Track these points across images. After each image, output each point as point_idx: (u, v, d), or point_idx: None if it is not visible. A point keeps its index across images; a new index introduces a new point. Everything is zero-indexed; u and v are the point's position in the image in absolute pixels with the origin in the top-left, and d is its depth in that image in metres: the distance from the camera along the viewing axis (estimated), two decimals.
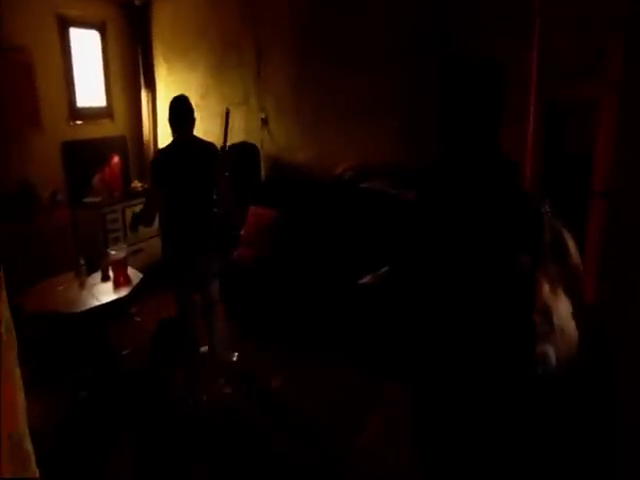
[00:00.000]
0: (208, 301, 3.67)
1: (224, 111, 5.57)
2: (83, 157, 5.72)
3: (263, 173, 5.29)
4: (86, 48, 5.81)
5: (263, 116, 5.29)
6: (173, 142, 3.45)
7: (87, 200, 5.57)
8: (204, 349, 4.11)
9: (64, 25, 5.48)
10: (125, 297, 3.93)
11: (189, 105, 3.42)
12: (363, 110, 4.54)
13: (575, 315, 2.19)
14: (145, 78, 6.14)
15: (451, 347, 2.00)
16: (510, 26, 3.51)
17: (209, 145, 3.54)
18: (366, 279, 3.69)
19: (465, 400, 1.98)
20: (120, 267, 4.15)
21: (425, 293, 2.09)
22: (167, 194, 3.40)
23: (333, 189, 4.28)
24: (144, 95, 6.17)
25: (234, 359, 3.98)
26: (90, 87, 5.90)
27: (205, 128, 5.75)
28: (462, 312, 1.95)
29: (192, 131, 3.48)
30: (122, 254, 4.16)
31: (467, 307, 1.94)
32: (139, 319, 4.92)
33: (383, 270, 3.69)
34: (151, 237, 5.92)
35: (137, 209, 5.72)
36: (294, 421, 3.32)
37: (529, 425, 1.99)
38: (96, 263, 4.26)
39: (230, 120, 3.51)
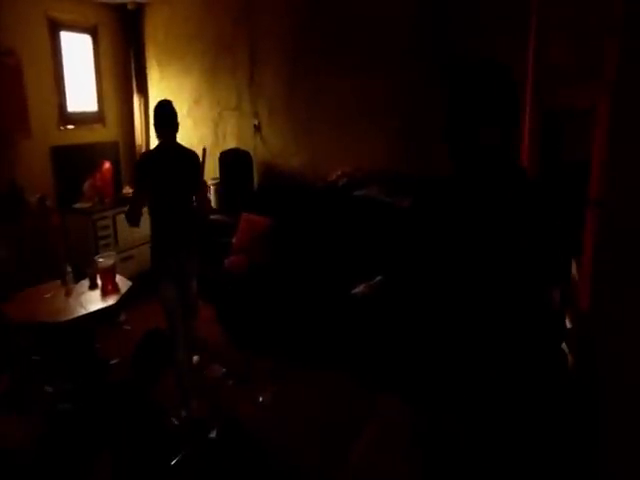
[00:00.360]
0: (188, 301, 3.57)
1: (217, 116, 5.54)
2: (73, 162, 5.62)
3: (256, 180, 5.19)
4: (77, 52, 5.71)
5: (256, 122, 5.19)
6: (157, 146, 3.44)
7: (77, 206, 5.46)
8: (196, 359, 4.01)
9: (55, 28, 5.39)
10: (113, 306, 3.81)
11: (173, 109, 3.39)
12: (359, 114, 4.45)
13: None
14: (137, 83, 6.04)
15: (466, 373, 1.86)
16: (510, 26, 3.43)
17: (191, 152, 3.56)
18: (360, 289, 3.59)
19: (475, 412, 1.86)
20: (108, 275, 4.04)
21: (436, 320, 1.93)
22: (151, 197, 3.41)
23: (327, 196, 4.18)
24: (136, 100, 6.06)
25: (223, 370, 3.86)
26: (81, 91, 5.80)
27: (199, 133, 5.68)
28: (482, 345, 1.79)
29: (175, 136, 3.45)
30: (110, 261, 4.05)
31: (486, 339, 1.78)
32: (128, 327, 4.80)
33: (377, 279, 3.60)
34: (141, 244, 5.82)
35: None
36: (288, 432, 3.21)
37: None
38: (84, 270, 4.15)
39: (207, 156, 3.58)
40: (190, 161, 3.52)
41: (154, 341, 3.40)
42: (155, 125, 3.38)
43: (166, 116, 3.38)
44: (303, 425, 3.27)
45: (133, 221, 3.48)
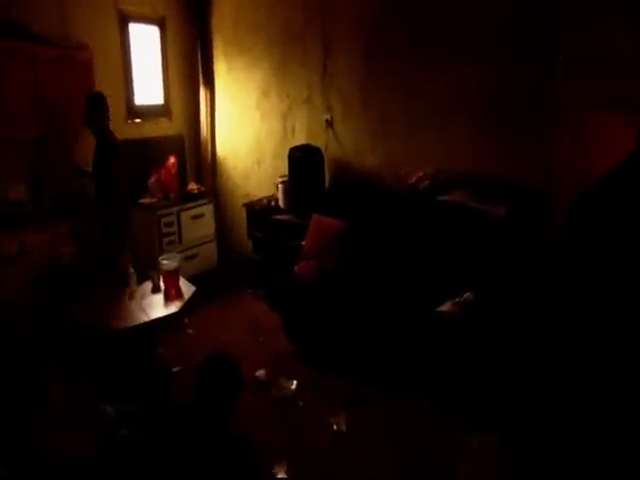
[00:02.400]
0: None
1: (287, 109, 5.12)
2: (140, 156, 5.36)
3: (327, 179, 4.71)
4: (145, 44, 5.48)
5: (328, 117, 4.73)
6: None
7: (142, 201, 5.21)
8: (262, 373, 3.63)
9: (124, 20, 5.19)
10: (176, 314, 3.50)
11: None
12: (442, 110, 3.92)
13: None
14: (204, 75, 5.69)
15: None
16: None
17: (113, 142, 3.64)
18: (445, 307, 3.09)
19: None
20: (172, 279, 3.73)
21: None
22: None
23: (406, 200, 3.67)
24: (203, 93, 5.72)
25: (292, 387, 3.46)
26: (148, 85, 5.55)
27: (267, 127, 5.29)
28: None
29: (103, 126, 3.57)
30: (174, 264, 3.74)
31: None
32: (191, 331, 4.49)
33: (465, 296, 3.09)
34: (206, 242, 5.53)
35: (192, 213, 5.42)
36: (369, 469, 2.76)
37: None
38: (146, 270, 3.87)
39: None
40: (109, 150, 3.69)
41: (219, 367, 3.05)
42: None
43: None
44: (386, 460, 2.82)
45: None
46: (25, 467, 1.94)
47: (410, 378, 3.27)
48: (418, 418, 3.09)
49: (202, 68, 5.67)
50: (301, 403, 3.32)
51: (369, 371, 3.50)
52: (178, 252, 5.05)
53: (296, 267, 3.94)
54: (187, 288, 3.80)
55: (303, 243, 4.13)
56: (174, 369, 3.85)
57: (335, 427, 3.01)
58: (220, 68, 5.64)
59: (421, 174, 3.74)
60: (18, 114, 4.17)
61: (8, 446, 1.98)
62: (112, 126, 5.06)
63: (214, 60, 5.67)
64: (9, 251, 4.00)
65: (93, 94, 4.26)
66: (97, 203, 4.37)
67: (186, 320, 4.54)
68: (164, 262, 3.72)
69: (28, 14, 4.36)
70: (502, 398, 2.83)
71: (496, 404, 2.87)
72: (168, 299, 3.64)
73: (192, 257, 5.37)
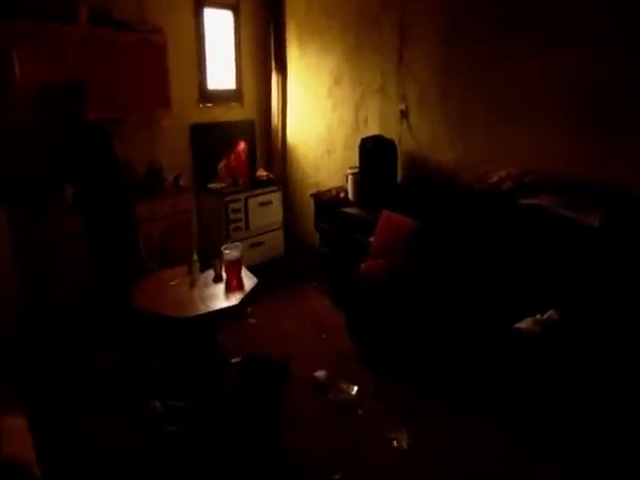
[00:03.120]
0: None
1: (359, 98, 4.85)
2: (210, 141, 5.35)
3: (400, 173, 4.40)
4: (219, 29, 5.39)
5: (403, 107, 4.41)
6: None
7: (211, 186, 5.15)
8: (322, 374, 3.45)
9: (199, 5, 5.13)
10: (236, 306, 3.37)
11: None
12: (531, 103, 3.51)
13: None
14: (276, 61, 5.50)
15: None
16: None
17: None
18: (524, 323, 2.77)
19: None
20: (234, 269, 3.60)
21: None
22: None
23: (485, 201, 3.33)
24: (275, 79, 5.54)
25: (353, 393, 3.25)
26: (221, 69, 5.46)
27: (339, 116, 5.05)
28: None
29: None
30: (236, 254, 3.60)
31: None
32: (254, 321, 4.38)
33: (548, 314, 2.76)
34: (273, 230, 5.42)
35: (260, 200, 5.29)
36: None
37: None
38: (210, 258, 3.77)
39: None
40: None
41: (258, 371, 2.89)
42: None
43: None
44: None
45: None
46: (65, 462, 1.86)
47: (478, 395, 2.98)
48: (485, 440, 2.80)
49: (274, 53, 5.49)
50: (360, 411, 3.10)
51: (435, 382, 3.23)
52: (244, 239, 5.00)
53: (363, 264, 3.71)
54: (249, 280, 3.66)
55: (371, 239, 3.89)
56: (233, 360, 3.75)
57: (395, 443, 2.78)
58: (292, 53, 5.44)
59: (503, 174, 3.37)
60: (97, 97, 4.15)
61: (50, 438, 1.91)
62: (185, 109, 5.05)
63: (287, 45, 5.48)
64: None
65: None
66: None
67: (249, 309, 4.43)
68: (226, 252, 3.61)
69: (110, 1, 4.38)
70: (577, 429, 2.51)
71: (569, 434, 2.54)
72: (229, 290, 3.52)
73: (258, 244, 5.29)
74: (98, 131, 3.84)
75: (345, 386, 3.29)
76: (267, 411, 2.71)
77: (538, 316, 2.77)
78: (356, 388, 3.28)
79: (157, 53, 4.60)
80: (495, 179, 3.36)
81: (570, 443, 2.55)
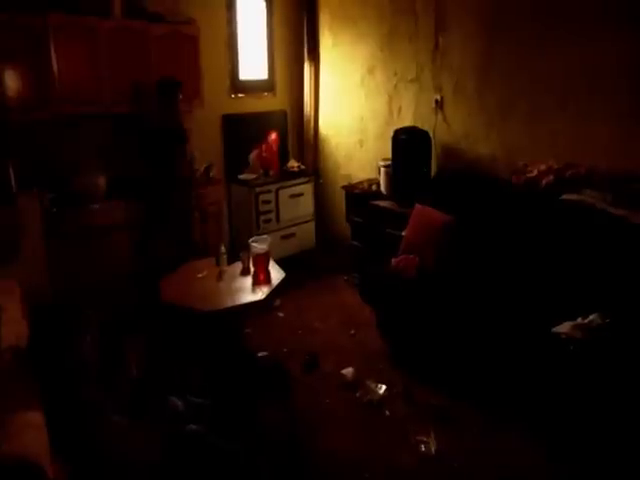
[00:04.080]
0: None
1: (393, 88, 4.66)
2: (242, 132, 5.25)
3: (434, 166, 4.20)
4: (251, 19, 5.26)
5: (438, 97, 4.19)
6: None
7: (242, 177, 5.06)
8: (350, 371, 3.33)
9: None
10: (262, 300, 3.27)
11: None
12: (576, 93, 3.27)
13: None
14: (309, 50, 5.33)
15: None
16: None
17: None
18: (563, 328, 2.57)
19: None
20: (261, 262, 3.51)
21: None
22: None
23: (525, 197, 3.12)
24: (307, 68, 5.38)
25: (380, 392, 3.12)
26: (253, 60, 5.34)
27: (371, 106, 4.88)
28: None
29: None
30: (264, 247, 3.51)
31: None
32: (282, 314, 4.28)
33: (591, 318, 2.55)
34: (304, 222, 5.30)
35: (292, 191, 5.17)
36: None
37: None
38: (239, 250, 3.72)
39: None
40: None
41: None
42: None
43: None
44: None
45: None
46: (84, 465, 1.79)
47: (512, 401, 2.80)
48: (517, 450, 2.63)
49: (307, 43, 5.33)
50: (388, 412, 2.96)
51: (465, 385, 3.07)
52: (274, 231, 4.90)
53: (394, 260, 3.55)
54: (277, 273, 3.56)
55: (404, 234, 3.72)
56: (260, 354, 3.67)
57: (422, 448, 2.63)
58: (325, 43, 5.27)
59: (544, 167, 3.14)
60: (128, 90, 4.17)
61: (69, 438, 1.85)
62: (216, 99, 4.96)
63: (319, 34, 5.31)
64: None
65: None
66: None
67: (277, 302, 4.34)
68: (254, 245, 3.52)
69: None
70: (617, 440, 2.31)
71: (607, 445, 2.35)
72: (256, 283, 3.44)
73: (289, 236, 5.17)
74: (178, 132, 4.25)
75: (373, 385, 3.16)
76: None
77: (579, 320, 2.57)
78: (384, 387, 3.14)
79: (189, 44, 4.53)
80: (535, 173, 3.14)
81: (607, 454, 2.36)
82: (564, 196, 2.92)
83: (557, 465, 2.51)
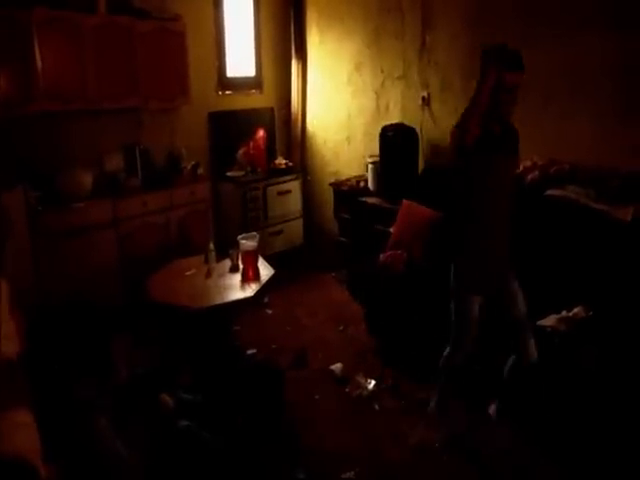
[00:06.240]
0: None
1: (380, 86, 4.67)
2: (229, 129, 5.23)
3: (421, 162, 4.24)
4: (238, 15, 5.25)
5: (425, 94, 4.23)
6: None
7: (229, 174, 5.05)
8: (339, 366, 3.35)
9: None
10: (251, 297, 3.29)
11: None
12: (559, 90, 3.31)
13: None
14: (296, 48, 5.33)
15: None
16: None
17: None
18: (548, 321, 2.62)
19: None
20: (250, 259, 3.54)
21: None
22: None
23: None
24: (294, 65, 5.38)
25: (369, 387, 3.15)
26: (240, 57, 5.34)
27: (358, 104, 4.89)
28: None
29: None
30: (253, 244, 3.53)
31: None
32: (271, 311, 4.30)
33: (575, 311, 2.60)
34: (291, 219, 5.30)
35: (279, 188, 5.16)
36: None
37: None
38: (227, 247, 3.71)
39: None
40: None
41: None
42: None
43: None
44: None
45: None
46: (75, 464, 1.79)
47: (499, 393, 2.84)
48: (503, 444, 2.68)
49: (294, 40, 5.33)
50: (377, 407, 3.00)
51: (454, 379, 3.10)
52: (263, 228, 4.90)
53: (382, 255, 3.58)
54: (266, 270, 3.59)
55: (391, 230, 3.76)
56: (249, 351, 3.69)
57: (412, 441, 2.67)
58: (312, 40, 5.28)
59: (529, 164, 3.18)
60: (116, 85, 4.13)
61: (61, 436, 1.84)
62: (203, 97, 4.94)
63: (307, 31, 5.31)
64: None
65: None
66: None
67: (266, 299, 4.35)
68: (243, 242, 3.53)
69: None
70: (602, 430, 2.37)
71: (593, 435, 2.40)
72: (245, 280, 3.47)
73: (277, 233, 5.17)
74: None
75: (362, 380, 3.20)
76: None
77: (564, 312, 2.62)
78: (373, 382, 3.18)
79: (176, 41, 4.49)
80: (520, 169, 3.18)
81: (592, 444, 2.41)
82: (548, 192, 2.97)
83: (539, 448, 2.58)
